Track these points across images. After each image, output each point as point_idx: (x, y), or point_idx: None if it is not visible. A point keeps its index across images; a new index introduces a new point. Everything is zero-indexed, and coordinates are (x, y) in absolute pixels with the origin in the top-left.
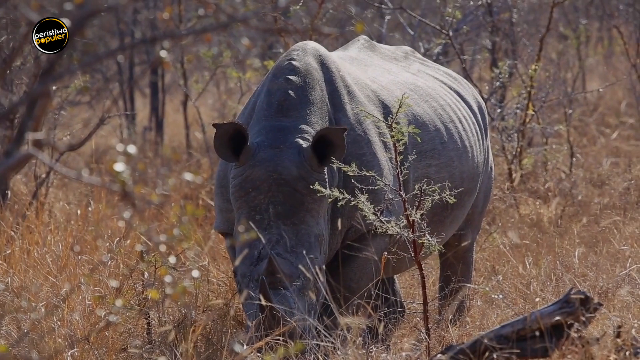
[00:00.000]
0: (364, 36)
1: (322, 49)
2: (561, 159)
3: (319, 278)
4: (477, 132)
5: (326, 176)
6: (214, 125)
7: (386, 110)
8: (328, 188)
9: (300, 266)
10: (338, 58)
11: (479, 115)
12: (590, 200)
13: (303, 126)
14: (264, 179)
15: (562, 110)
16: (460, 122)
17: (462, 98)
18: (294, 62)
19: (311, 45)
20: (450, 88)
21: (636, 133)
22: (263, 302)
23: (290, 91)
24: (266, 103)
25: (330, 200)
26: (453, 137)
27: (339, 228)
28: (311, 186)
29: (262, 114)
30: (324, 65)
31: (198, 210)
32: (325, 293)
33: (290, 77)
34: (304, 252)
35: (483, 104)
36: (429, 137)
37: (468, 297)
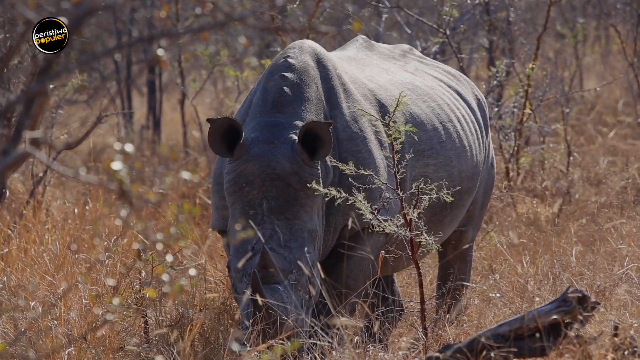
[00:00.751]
0: (363, 36)
1: (319, 48)
2: (558, 157)
3: (313, 273)
4: (476, 131)
5: (319, 171)
6: (208, 120)
7: (383, 109)
8: (322, 184)
9: (293, 261)
10: (335, 57)
11: (478, 113)
12: (587, 199)
13: (298, 122)
14: (257, 174)
15: (559, 109)
16: (459, 121)
17: (461, 96)
18: (290, 60)
19: (308, 43)
20: (449, 86)
21: (633, 132)
22: (257, 298)
23: (285, 88)
24: (261, 100)
25: (327, 198)
26: (451, 137)
27: (349, 227)
28: (308, 184)
29: (257, 110)
30: (320, 64)
31: (195, 209)
32: (320, 289)
33: (286, 74)
34: (298, 247)
35: (483, 100)
36: (427, 137)
37: (465, 296)
